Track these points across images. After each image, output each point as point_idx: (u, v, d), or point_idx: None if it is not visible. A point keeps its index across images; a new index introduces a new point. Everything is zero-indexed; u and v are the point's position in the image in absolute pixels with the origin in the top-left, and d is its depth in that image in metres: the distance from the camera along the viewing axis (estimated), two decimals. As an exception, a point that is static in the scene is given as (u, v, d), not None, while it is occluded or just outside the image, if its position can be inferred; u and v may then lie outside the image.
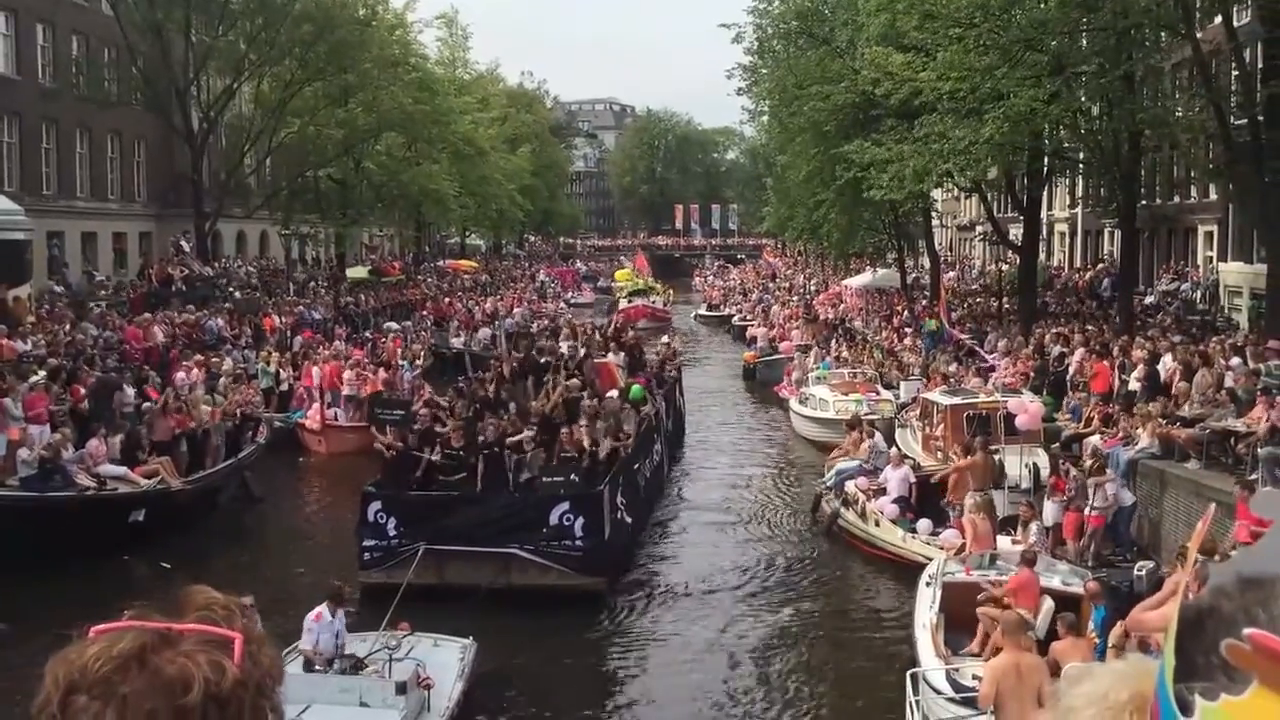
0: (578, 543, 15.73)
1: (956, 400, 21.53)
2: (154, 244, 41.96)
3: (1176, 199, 34.96)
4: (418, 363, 32.22)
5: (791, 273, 72.45)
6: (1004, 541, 15.18)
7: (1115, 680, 1.21)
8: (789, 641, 15.31)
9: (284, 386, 28.47)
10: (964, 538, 15.37)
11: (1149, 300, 32.48)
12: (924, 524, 17.96)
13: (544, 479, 16.72)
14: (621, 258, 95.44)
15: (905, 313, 39.50)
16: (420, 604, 13.64)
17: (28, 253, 28.90)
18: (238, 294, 37.22)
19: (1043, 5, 24.65)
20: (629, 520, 18.03)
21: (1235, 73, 24.49)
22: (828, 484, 20.55)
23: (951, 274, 50.68)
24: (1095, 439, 18.86)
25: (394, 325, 41.14)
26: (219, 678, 1.24)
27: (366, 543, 16.05)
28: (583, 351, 25.32)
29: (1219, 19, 22.99)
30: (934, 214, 45.70)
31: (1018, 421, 19.28)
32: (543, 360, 22.69)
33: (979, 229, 51.82)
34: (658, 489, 22.34)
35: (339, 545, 17.90)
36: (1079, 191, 42.15)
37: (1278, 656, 0.94)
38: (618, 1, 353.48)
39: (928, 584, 13.74)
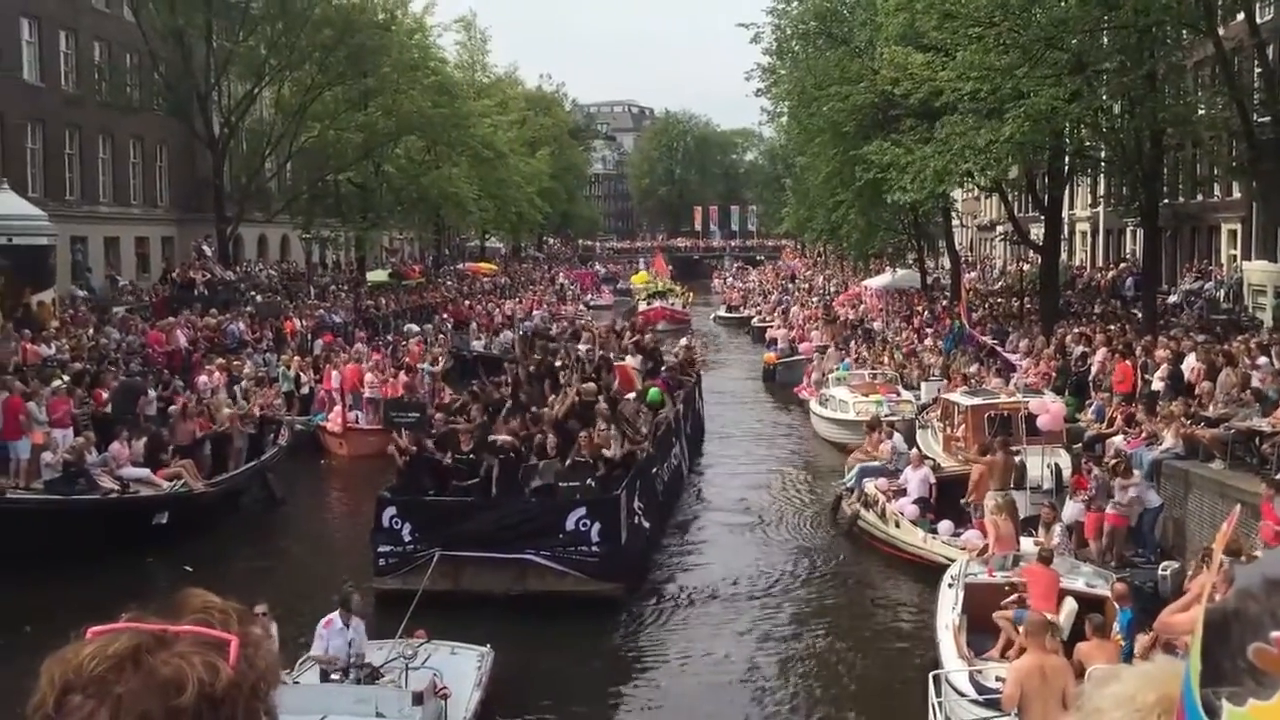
0: (594, 548, 15.58)
1: (977, 401, 21.43)
2: (176, 248, 42.27)
3: (1199, 197, 34.72)
4: (437, 365, 32.26)
5: (811, 274, 72.30)
6: (1027, 543, 15.09)
7: (1142, 682, 1.20)
8: (809, 644, 15.25)
9: (305, 390, 28.60)
10: (986, 539, 15.29)
11: (1172, 299, 32.26)
12: (945, 525, 17.90)
13: (560, 484, 16.50)
14: (640, 260, 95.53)
15: (925, 313, 39.36)
16: (436, 610, 13.51)
17: (51, 257, 29.13)
18: (259, 298, 37.42)
19: (1063, 3, 24.52)
20: (646, 525, 17.85)
21: (1258, 69, 24.30)
22: (848, 485, 20.48)
23: (972, 274, 50.48)
24: (1118, 439, 18.74)
25: (414, 328, 41.29)
26: (213, 679, 1.25)
27: (381, 548, 15.94)
28: (599, 354, 25.10)
29: (1241, 15, 22.83)
30: (954, 214, 45.53)
31: (1039, 422, 19.17)
32: (557, 364, 22.47)
33: (1000, 229, 51.64)
34: (676, 492, 22.16)
35: (359, 549, 17.88)
36: (1101, 190, 41.89)
37: None
38: (636, 4, 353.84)
39: (950, 585, 13.68)
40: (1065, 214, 39.09)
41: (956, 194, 43.05)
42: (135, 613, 1.31)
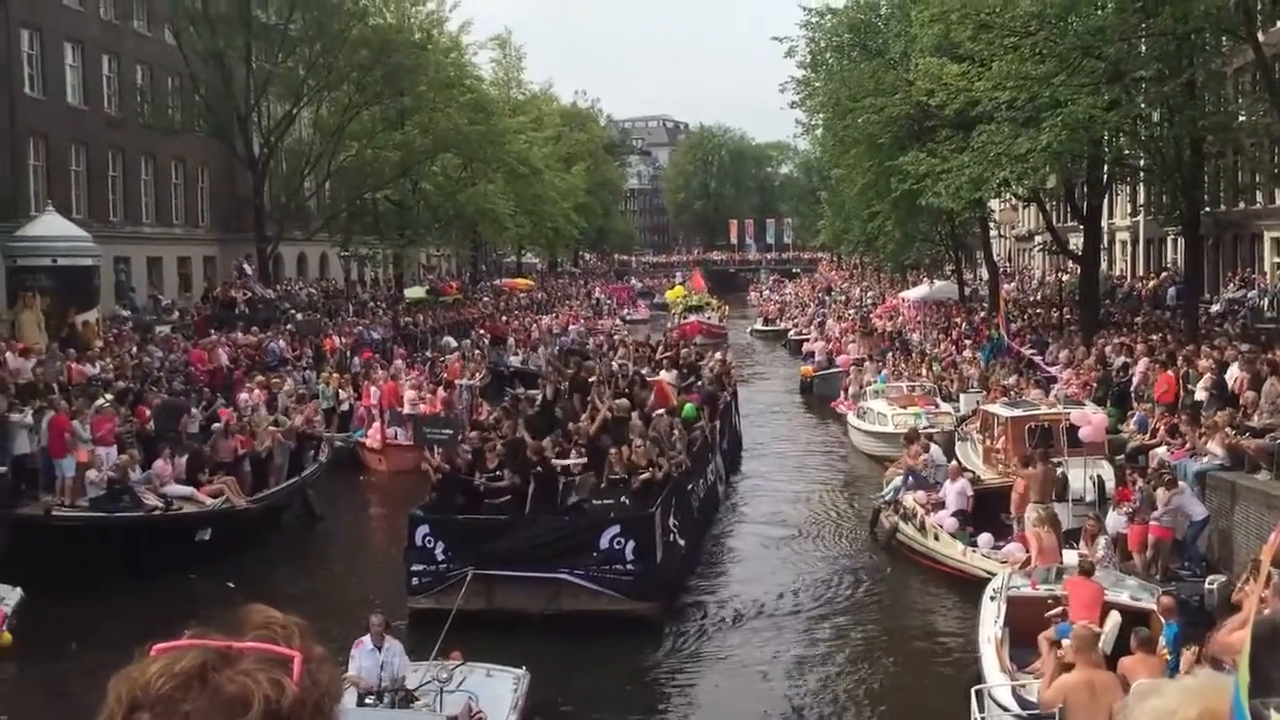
0: (629, 567, 15.36)
1: (1017, 412, 21.24)
2: (217, 267, 42.81)
3: (1241, 205, 34.28)
4: (475, 381, 32.37)
5: (847, 286, 72.02)
6: (1070, 555, 14.92)
7: (1184, 697, 1.19)
8: (849, 659, 15.12)
9: (344, 407, 28.81)
10: (1027, 551, 15.14)
11: (1215, 309, 31.84)
12: (985, 538, 17.73)
13: (594, 501, 16.31)
14: (677, 274, 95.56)
15: (964, 325, 39.08)
16: (470, 630, 13.37)
17: (96, 278, 29.58)
18: (299, 316, 37.79)
19: (1100, 12, 24.32)
20: (682, 543, 17.54)
21: (1300, 75, 23.96)
22: (886, 498, 20.35)
23: (1010, 285, 50.09)
24: (1162, 450, 18.51)
25: (451, 341, 41.56)
26: (279, 696, 1.25)
27: (414, 567, 15.80)
28: (633, 369, 24.83)
29: (1282, 21, 22.58)
30: (992, 224, 45.21)
31: (1081, 433, 18.97)
32: (590, 379, 22.16)
33: (1038, 239, 51.23)
34: (712, 509, 21.92)
35: (397, 566, 17.84)
36: (1140, 199, 41.47)
37: None
38: (669, 20, 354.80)
39: (992, 598, 13.54)
40: (1104, 223, 38.73)
41: (994, 204, 42.76)
42: (198, 629, 1.32)
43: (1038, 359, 28.50)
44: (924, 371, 32.38)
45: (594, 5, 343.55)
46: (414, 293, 50.74)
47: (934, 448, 21.23)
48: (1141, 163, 29.17)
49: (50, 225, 28.53)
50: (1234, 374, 20.00)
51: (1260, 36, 22.51)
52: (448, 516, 16.34)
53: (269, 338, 31.91)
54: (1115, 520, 16.36)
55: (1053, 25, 24.11)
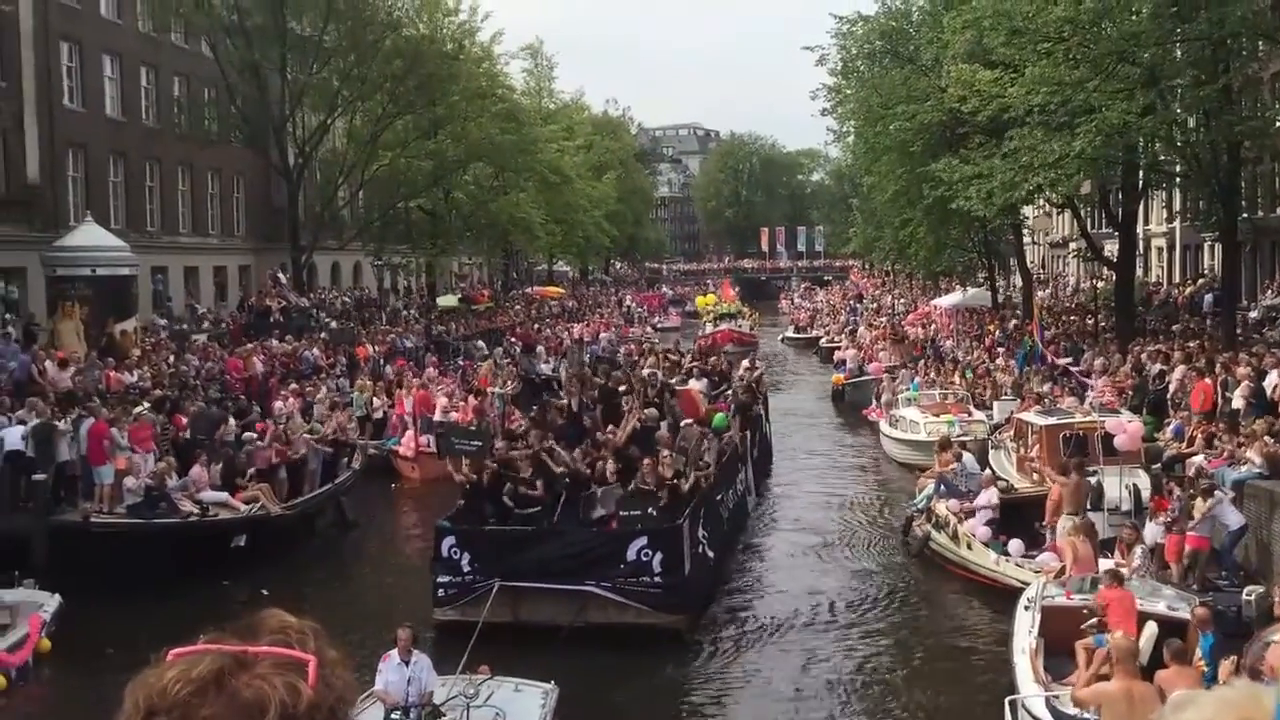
0: (656, 579, 15.14)
1: (1052, 420, 21.06)
2: (253, 277, 43.19)
3: (1279, 211, 33.89)
4: (507, 390, 32.42)
5: (879, 293, 71.72)
6: (1106, 564, 14.78)
7: (1220, 707, 1.19)
8: (881, 670, 15.02)
9: (378, 415, 28.98)
10: (1061, 560, 15.01)
11: (1253, 315, 31.48)
12: (1015, 545, 17.60)
13: (621, 513, 16.06)
14: (709, 281, 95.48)
15: (997, 332, 38.82)
16: (497, 643, 13.28)
17: (133, 287, 29.89)
18: (333, 324, 38.05)
19: (1134, 17, 24.13)
20: (711, 554, 17.32)
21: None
22: (918, 506, 20.24)
23: (1044, 292, 49.70)
24: (1199, 459, 18.31)
25: (481, 345, 41.78)
26: (294, 700, 1.26)
27: (440, 579, 15.67)
28: (662, 378, 24.39)
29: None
30: (1025, 231, 44.88)
31: (1117, 442, 18.78)
32: (619, 388, 21.82)
33: (1073, 245, 50.79)
34: (742, 519, 21.68)
35: (428, 575, 17.78)
36: (1177, 205, 41.08)
37: None
38: (701, 28, 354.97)
39: (1026, 608, 13.44)
40: (1140, 229, 38.40)
41: (1027, 211, 42.46)
42: (214, 634, 1.33)
43: (1073, 368, 28.25)
44: (956, 379, 32.17)
45: (622, 14, 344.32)
46: (446, 301, 51.00)
47: (966, 456, 21.07)
48: (1178, 169, 28.89)
49: (89, 235, 28.88)
50: (1272, 381, 19.77)
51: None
52: (474, 528, 16.18)
53: (303, 346, 32.15)
54: (1152, 530, 16.20)
55: (1086, 30, 23.93)
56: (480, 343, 43.38)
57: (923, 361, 36.79)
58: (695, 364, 27.78)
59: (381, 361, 34.49)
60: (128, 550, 17.61)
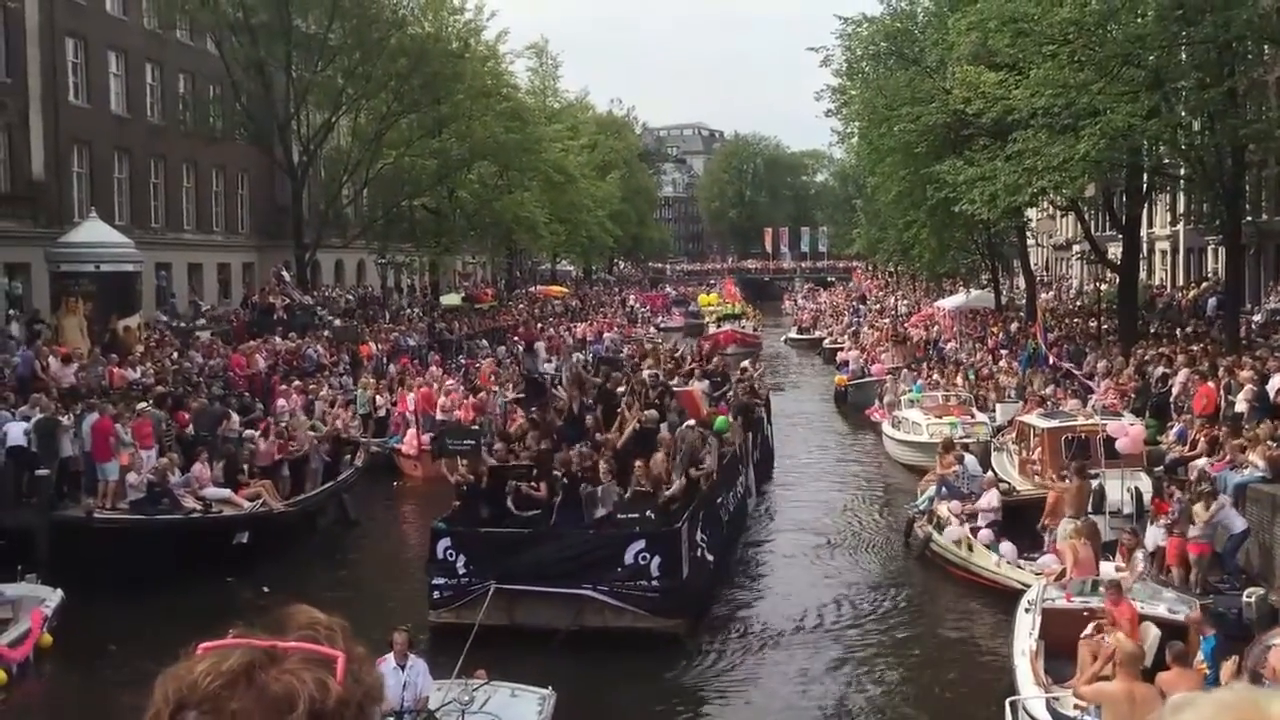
0: (654, 583, 14.96)
1: (1054, 423, 21.05)
2: (256, 274, 43.23)
3: (1284, 214, 33.86)
4: (509, 393, 32.33)
5: (883, 294, 71.68)
6: (1107, 567, 14.79)
7: (1218, 710, 1.19)
8: (881, 672, 15.01)
9: (380, 413, 29.00)
10: (1062, 563, 15.01)
11: (1256, 319, 31.45)
12: (1007, 548, 17.59)
13: (618, 515, 15.80)
14: (712, 281, 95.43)
15: (1001, 334, 38.80)
16: (493, 646, 13.13)
17: (137, 284, 29.93)
18: (336, 322, 38.07)
19: (1140, 20, 24.11)
20: (710, 558, 17.10)
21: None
22: (920, 508, 20.23)
23: (1048, 294, 49.67)
24: (1202, 462, 18.29)
25: (485, 344, 41.81)
26: (323, 695, 1.27)
27: (436, 581, 15.48)
28: (662, 378, 24.17)
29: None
30: (1029, 233, 44.84)
31: (1118, 445, 18.78)
32: (617, 389, 21.51)
33: (1076, 248, 50.77)
34: (742, 522, 21.50)
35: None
36: (1181, 208, 41.04)
37: None
38: (705, 28, 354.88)
39: (1026, 610, 13.44)
40: (1144, 232, 38.36)
41: (1031, 213, 42.43)
42: (242, 628, 1.34)
43: (1076, 371, 28.22)
44: (959, 381, 32.15)
45: (627, 13, 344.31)
46: (450, 299, 51.02)
47: (968, 458, 21.06)
48: (1182, 172, 28.87)
49: (93, 232, 28.92)
50: (1275, 385, 19.76)
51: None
52: (469, 529, 16.00)
53: (307, 343, 32.17)
54: (1154, 533, 16.19)
55: (1091, 33, 23.91)
56: (484, 341, 43.44)
57: (925, 363, 36.73)
58: (695, 364, 27.57)
59: (385, 360, 34.51)
60: (130, 546, 17.63)
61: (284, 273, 40.29)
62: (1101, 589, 13.22)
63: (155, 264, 35.33)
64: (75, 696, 14.47)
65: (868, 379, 38.02)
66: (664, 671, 14.54)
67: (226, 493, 19.72)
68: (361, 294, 47.49)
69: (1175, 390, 22.55)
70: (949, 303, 47.71)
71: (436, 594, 15.50)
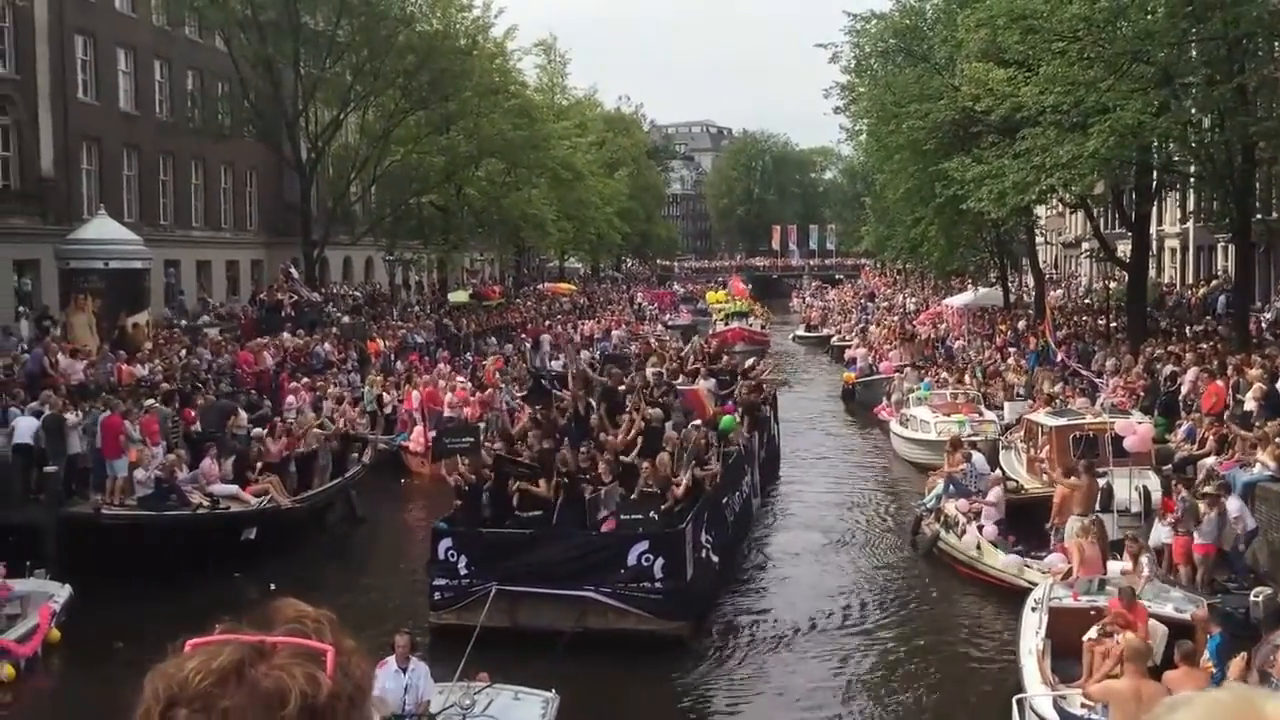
0: (657, 585, 14.81)
1: (1062, 421, 21.01)
2: (265, 271, 43.31)
3: (1294, 212, 33.69)
4: (515, 394, 32.26)
5: (891, 292, 71.59)
6: (1114, 566, 14.75)
7: (1212, 709, 1.19)
8: (888, 670, 15.00)
9: (388, 410, 29.04)
10: (1069, 562, 14.98)
11: (1266, 317, 31.33)
12: (989, 530, 17.58)
13: (622, 516, 15.63)
14: (720, 278, 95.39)
15: (1009, 332, 38.72)
16: (495, 648, 13.03)
17: (146, 281, 30.00)
18: (344, 319, 38.14)
19: (1149, 16, 24.02)
20: (715, 559, 16.93)
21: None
22: (927, 506, 20.20)
23: (1057, 292, 49.55)
24: (1210, 461, 18.24)
25: (493, 341, 41.91)
26: (314, 690, 1.27)
27: (437, 582, 15.34)
28: (666, 377, 23.84)
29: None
30: (1038, 231, 44.73)
31: (1126, 443, 18.73)
32: (621, 388, 21.21)
33: (1085, 245, 50.64)
34: (747, 522, 21.34)
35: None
36: (1190, 206, 40.91)
37: None
38: (714, 24, 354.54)
39: (1033, 609, 13.42)
40: (1153, 230, 38.23)
41: (1040, 210, 42.32)
42: (230, 623, 1.34)
43: (1083, 370, 28.15)
44: (967, 379, 32.08)
45: (636, 10, 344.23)
46: (457, 297, 51.08)
47: (976, 456, 21.02)
48: (1191, 169, 28.76)
49: (102, 229, 29.00)
50: (1285, 384, 19.67)
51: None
52: (471, 530, 15.85)
53: (315, 340, 32.22)
54: (1160, 532, 16.14)
55: (1101, 29, 23.82)
56: (492, 339, 43.49)
57: (933, 361, 36.66)
58: (700, 363, 27.31)
59: (392, 357, 34.56)
60: (138, 542, 17.68)
61: (292, 270, 40.36)
62: (1109, 588, 13.20)
63: (164, 261, 35.41)
64: (83, 692, 14.51)
65: (876, 377, 37.96)
66: (668, 674, 14.43)
67: (234, 489, 19.76)
68: (369, 291, 47.55)
69: (1184, 389, 22.48)
70: (957, 300, 47.65)
71: (438, 595, 15.38)
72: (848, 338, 52.20)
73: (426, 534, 21.83)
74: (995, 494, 18.82)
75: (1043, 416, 22.05)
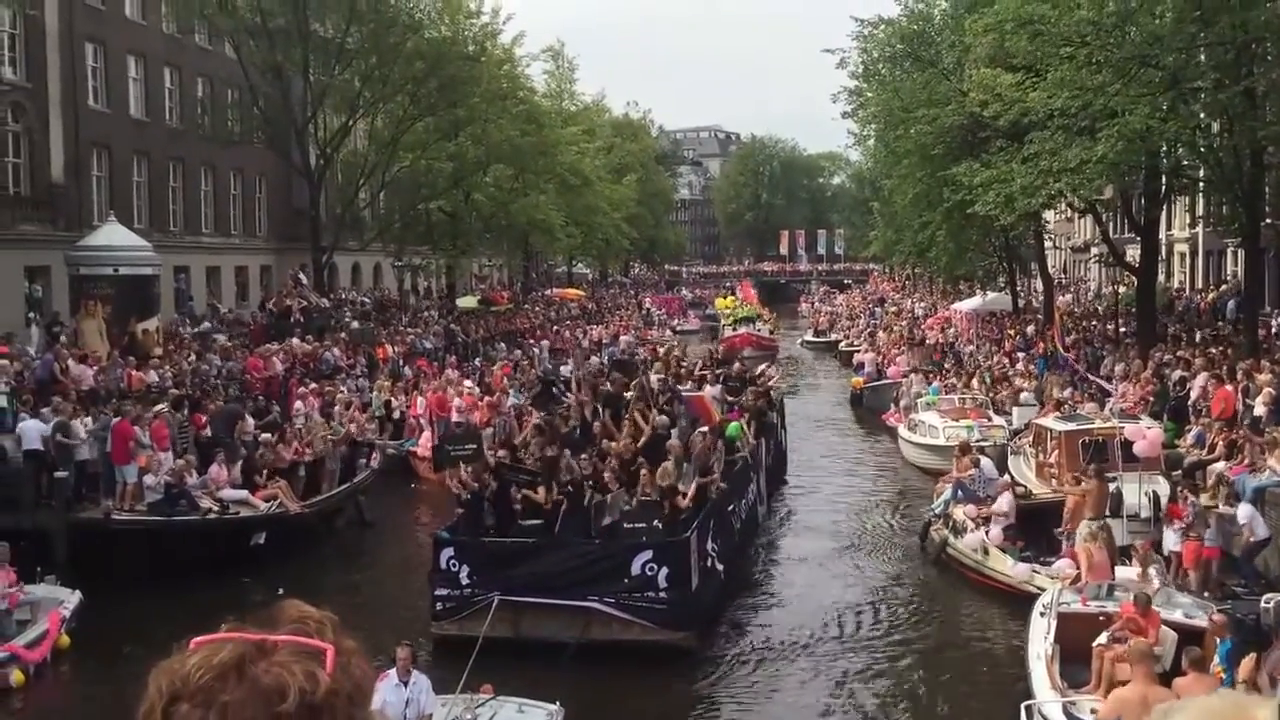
0: (662, 594, 14.62)
1: (1071, 426, 20.96)
2: (274, 277, 43.41)
3: (1304, 216, 33.57)
4: (522, 393, 32.35)
5: (899, 297, 71.51)
6: (1123, 572, 14.71)
7: (1204, 715, 1.20)
8: (897, 675, 14.97)
9: (396, 415, 29.09)
10: (1078, 567, 14.95)
11: (1276, 322, 31.23)
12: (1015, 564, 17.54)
13: (625, 524, 15.38)
14: (728, 283, 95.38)
15: (1018, 337, 38.65)
16: (498, 659, 12.90)
17: (155, 287, 30.08)
18: (354, 324, 38.20)
19: (1157, 21, 23.98)
20: (720, 568, 16.72)
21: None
22: (936, 512, 20.17)
23: (1066, 297, 49.43)
24: (1220, 466, 18.18)
25: (502, 346, 41.94)
26: (313, 687, 1.30)
27: (439, 592, 15.16)
28: (672, 383, 23.46)
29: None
30: (1047, 235, 44.64)
31: (1136, 448, 18.67)
32: (624, 394, 20.88)
33: (1094, 250, 50.54)
34: (753, 530, 21.19)
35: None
36: (1199, 210, 40.80)
37: None
38: (721, 30, 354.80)
39: (1042, 614, 13.39)
40: (1162, 235, 38.14)
41: (1049, 215, 42.23)
42: (234, 623, 1.37)
43: (1091, 376, 28.08)
44: (975, 384, 32.03)
45: (644, 16, 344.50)
46: (466, 302, 51.14)
47: (985, 461, 20.98)
48: (1200, 174, 28.69)
49: (112, 235, 29.09)
50: (1295, 388, 19.61)
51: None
52: (473, 539, 15.68)
53: (324, 346, 32.29)
54: (1168, 537, 16.10)
55: (1109, 34, 23.79)
56: (501, 344, 43.54)
57: (941, 367, 36.58)
58: (707, 369, 27.19)
59: (401, 362, 34.62)
60: (147, 547, 17.73)
61: (301, 276, 40.44)
62: (1118, 593, 13.17)
63: (174, 267, 35.51)
64: (93, 697, 14.55)
65: (884, 382, 37.92)
66: (674, 685, 14.29)
67: (244, 494, 19.82)
68: (378, 297, 47.63)
69: (1194, 394, 22.43)
70: (966, 305, 47.58)
71: (439, 605, 15.20)
72: (856, 343, 52.16)
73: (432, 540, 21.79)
74: (1006, 500, 18.79)
75: (1052, 421, 22.01)
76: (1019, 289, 47.27)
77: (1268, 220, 29.38)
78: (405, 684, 10.89)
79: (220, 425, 22.55)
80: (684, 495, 16.17)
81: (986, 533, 18.24)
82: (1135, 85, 23.41)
